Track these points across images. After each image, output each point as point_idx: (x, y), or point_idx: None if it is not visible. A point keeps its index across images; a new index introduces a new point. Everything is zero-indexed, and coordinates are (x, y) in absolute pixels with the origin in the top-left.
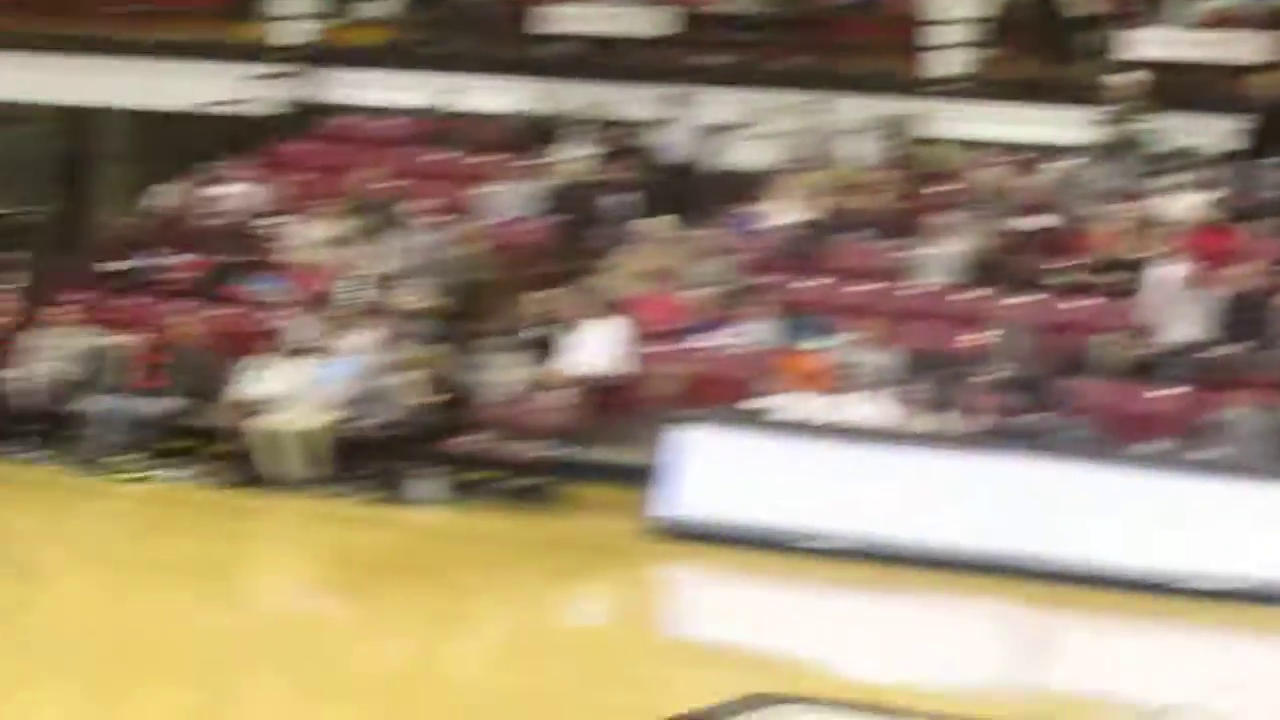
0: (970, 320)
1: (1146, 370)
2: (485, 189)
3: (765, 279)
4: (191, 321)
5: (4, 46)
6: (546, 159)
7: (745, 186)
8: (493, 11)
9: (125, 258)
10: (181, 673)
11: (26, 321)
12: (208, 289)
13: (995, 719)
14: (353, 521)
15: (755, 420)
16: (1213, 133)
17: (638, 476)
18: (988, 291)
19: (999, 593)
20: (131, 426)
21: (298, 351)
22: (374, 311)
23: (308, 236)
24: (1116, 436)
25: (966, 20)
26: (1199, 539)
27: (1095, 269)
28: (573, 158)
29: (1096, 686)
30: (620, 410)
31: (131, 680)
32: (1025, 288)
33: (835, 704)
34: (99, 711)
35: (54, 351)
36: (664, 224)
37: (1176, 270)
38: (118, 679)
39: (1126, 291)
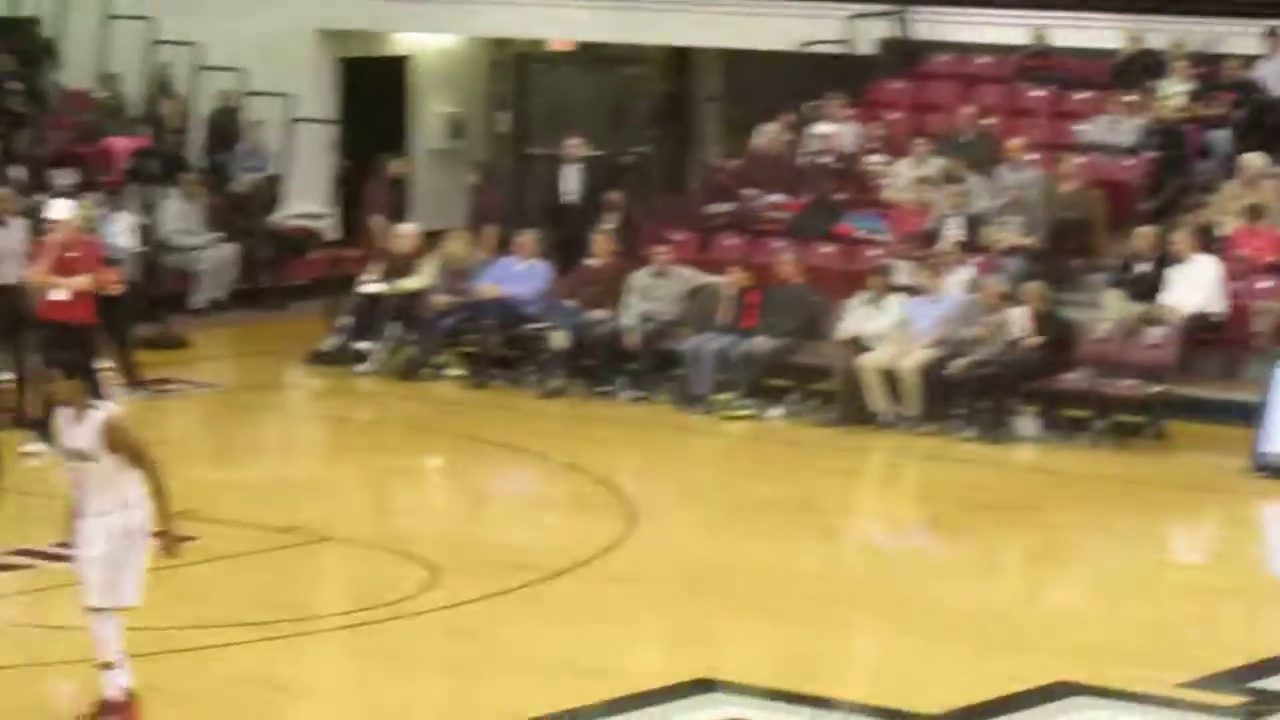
0: None
1: None
2: (1082, 125)
3: None
4: (791, 260)
5: None
6: (1145, 95)
7: None
8: None
9: (725, 197)
10: (782, 609)
11: (627, 262)
12: (807, 228)
13: None
14: (951, 459)
15: None
16: None
17: (1239, 413)
18: None
19: None
20: (732, 365)
21: (896, 289)
22: (971, 249)
23: (905, 175)
24: None
25: None
26: None
27: None
28: (1171, 93)
29: None
30: (1221, 347)
31: (731, 616)
32: None
33: None
34: (698, 648)
35: (655, 291)
36: (1264, 159)
37: None
38: (716, 615)
39: None
